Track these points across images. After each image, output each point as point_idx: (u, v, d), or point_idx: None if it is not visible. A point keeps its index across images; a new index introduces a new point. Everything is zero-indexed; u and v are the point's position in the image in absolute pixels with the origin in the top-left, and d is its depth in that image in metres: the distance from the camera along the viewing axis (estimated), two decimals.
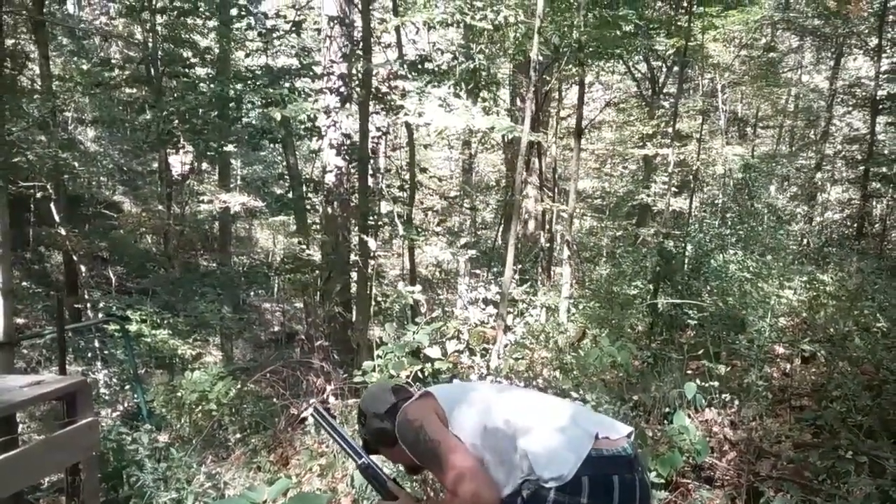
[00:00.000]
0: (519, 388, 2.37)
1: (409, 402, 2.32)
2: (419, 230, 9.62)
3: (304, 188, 10.23)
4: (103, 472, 3.92)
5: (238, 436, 5.54)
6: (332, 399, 6.42)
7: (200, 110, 8.92)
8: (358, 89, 8.11)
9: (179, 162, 13.21)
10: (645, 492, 2.04)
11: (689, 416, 4.34)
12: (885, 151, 16.10)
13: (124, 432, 4.58)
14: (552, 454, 1.98)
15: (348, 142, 8.56)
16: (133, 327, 8.64)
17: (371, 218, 8.93)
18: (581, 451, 1.99)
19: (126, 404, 8.40)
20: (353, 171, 8.89)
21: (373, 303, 8.66)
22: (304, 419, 5.92)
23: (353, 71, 8.18)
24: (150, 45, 11.28)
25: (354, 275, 9.05)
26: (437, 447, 2.16)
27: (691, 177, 14.08)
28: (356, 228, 8.62)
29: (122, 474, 4.02)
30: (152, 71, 10.69)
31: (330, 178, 9.09)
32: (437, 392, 2.34)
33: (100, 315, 11.01)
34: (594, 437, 2.03)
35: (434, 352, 5.07)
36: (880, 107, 14.38)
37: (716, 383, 4.56)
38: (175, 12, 9.48)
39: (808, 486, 3.67)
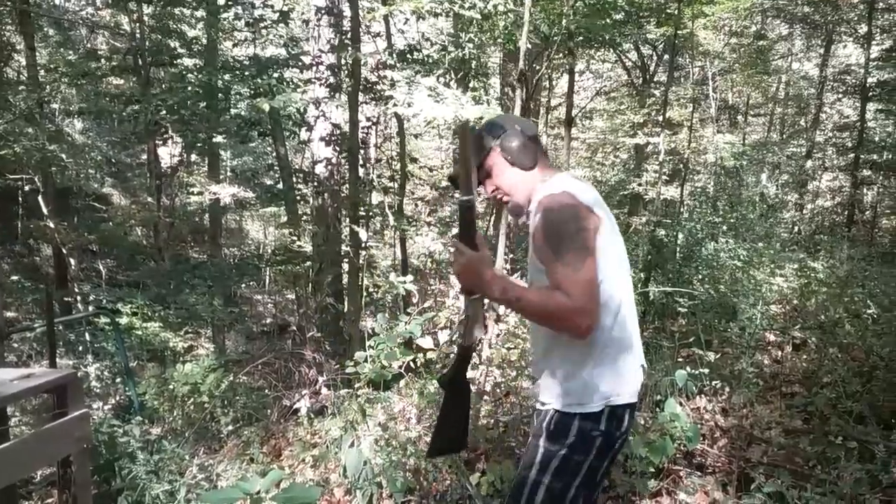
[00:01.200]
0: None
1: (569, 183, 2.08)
2: (410, 220, 9.60)
3: (295, 179, 10.19)
4: (95, 464, 3.90)
5: (230, 427, 5.54)
6: (324, 390, 6.41)
7: (188, 101, 8.86)
8: (347, 79, 8.07)
9: (168, 154, 13.15)
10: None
11: (681, 403, 4.36)
12: (876, 139, 16.16)
13: (116, 425, 4.55)
14: (615, 382, 2.08)
15: (338, 132, 8.52)
16: (124, 320, 8.61)
17: (362, 208, 8.90)
18: (632, 391, 2.12)
19: (118, 397, 8.37)
20: (343, 161, 8.85)
21: (364, 293, 8.63)
22: (297, 410, 5.92)
23: (342, 61, 8.13)
24: (138, 35, 11.20)
25: (346, 266, 9.03)
26: (579, 244, 1.95)
27: (682, 165, 14.11)
28: (347, 219, 8.60)
29: (114, 467, 4.00)
30: (139, 61, 10.61)
31: (320, 169, 9.06)
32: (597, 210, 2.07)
33: (90, 308, 10.97)
34: (641, 376, 2.18)
35: (426, 342, 5.06)
36: (870, 94, 14.42)
37: (706, 370, 4.58)
38: (162, 2, 9.39)
39: (798, 472, 3.69)
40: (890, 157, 15.30)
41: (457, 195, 2.08)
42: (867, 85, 14.34)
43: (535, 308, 1.98)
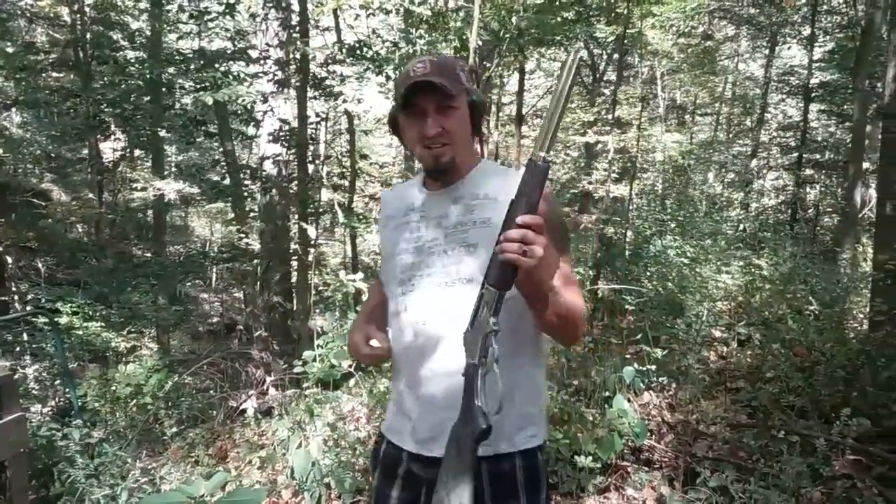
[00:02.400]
0: None
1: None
2: (361, 218, 9.51)
3: (242, 175, 10.02)
4: (33, 469, 3.79)
5: (175, 429, 5.43)
6: (272, 390, 6.32)
7: (131, 95, 8.63)
8: (295, 74, 7.95)
9: (111, 148, 12.80)
10: None
11: (629, 399, 4.38)
12: (819, 139, 16.57)
13: (54, 428, 4.44)
14: None
15: (286, 128, 8.40)
16: (64, 320, 8.38)
17: (311, 206, 8.80)
18: None
19: (57, 400, 8.15)
20: (291, 157, 8.73)
21: (314, 292, 8.54)
22: (244, 411, 5.82)
23: (290, 56, 8.01)
24: (79, 26, 10.86)
25: (295, 263, 8.92)
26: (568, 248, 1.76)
27: (631, 163, 14.28)
28: (296, 216, 8.49)
29: (53, 471, 3.90)
30: (80, 54, 10.30)
31: (268, 165, 8.91)
32: None
33: (28, 307, 10.64)
34: None
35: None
36: (813, 95, 14.76)
37: (654, 367, 4.61)
38: None
39: (742, 466, 3.75)
40: (831, 156, 15.72)
41: (534, 153, 1.44)
42: (810, 86, 14.68)
43: (566, 305, 1.61)
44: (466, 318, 1.51)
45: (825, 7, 15.11)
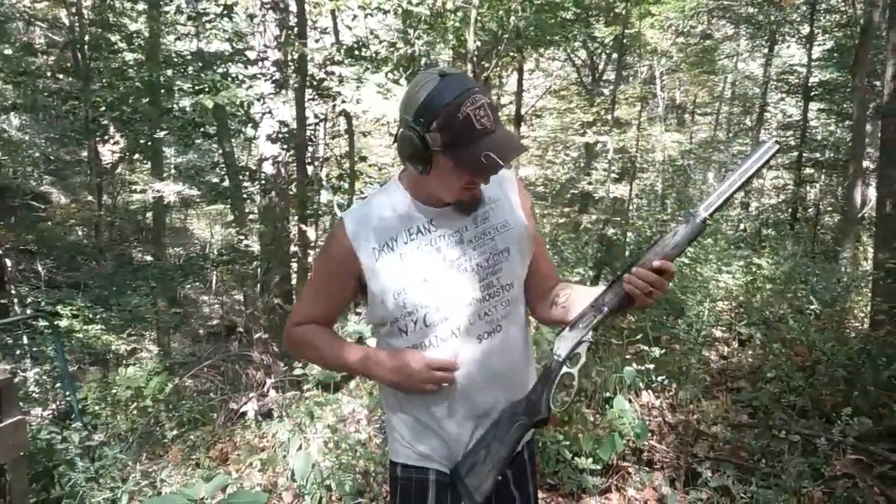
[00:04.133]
0: None
1: None
2: None
3: (241, 177, 10.01)
4: (33, 472, 3.79)
5: (175, 432, 5.40)
6: (272, 392, 6.30)
7: (130, 97, 8.62)
8: (293, 75, 7.94)
9: (110, 151, 12.80)
10: None
11: (629, 400, 4.37)
12: (818, 137, 16.58)
13: (54, 431, 4.44)
14: None
15: (285, 129, 8.38)
16: (64, 323, 8.37)
17: (310, 207, 8.78)
18: None
19: (58, 403, 8.15)
20: (290, 159, 8.71)
21: None
22: (245, 413, 5.81)
23: (288, 57, 8.00)
24: (77, 28, 10.86)
25: (295, 265, 8.90)
26: None
27: (630, 163, 14.27)
28: (295, 218, 8.47)
29: (53, 474, 3.89)
30: (79, 56, 10.30)
31: (267, 167, 8.90)
32: None
33: (28, 310, 10.64)
34: None
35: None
36: (812, 93, 14.76)
37: (653, 367, 4.60)
38: None
39: (743, 466, 3.75)
40: (831, 155, 15.72)
41: (698, 210, 1.54)
42: (809, 85, 14.68)
43: None
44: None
45: (824, 6, 15.12)
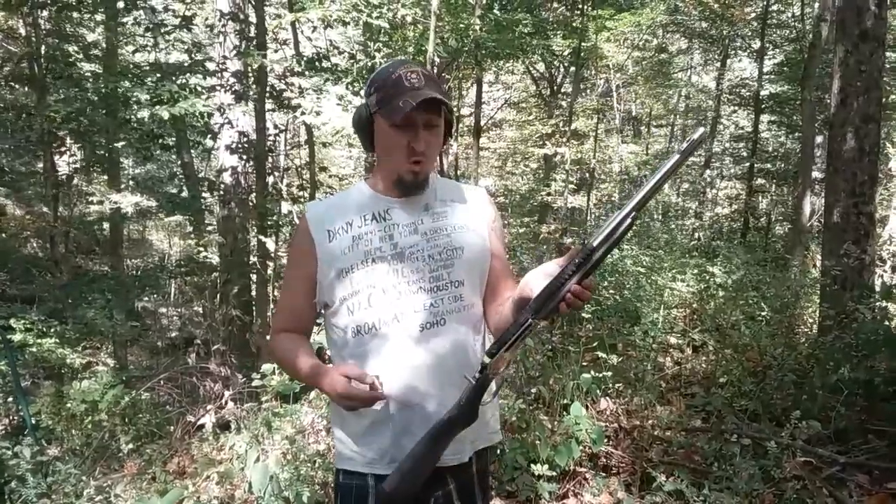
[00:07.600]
0: None
1: None
2: None
3: (200, 188, 9.92)
4: None
5: (131, 446, 5.33)
6: (230, 404, 6.26)
7: (87, 109, 8.50)
8: (253, 86, 7.92)
9: (66, 162, 12.58)
10: None
11: (586, 406, 4.44)
12: (769, 148, 16.98)
13: (4, 447, 4.35)
14: None
15: (245, 140, 8.35)
16: (17, 337, 8.19)
17: (270, 218, 8.75)
18: None
19: (10, 418, 7.98)
20: (250, 170, 8.67)
21: (273, 305, 8.48)
22: (202, 426, 5.76)
23: (248, 67, 7.98)
24: (34, 40, 10.67)
25: (254, 276, 8.85)
26: None
27: (588, 174, 14.46)
28: (255, 229, 8.43)
29: (3, 490, 3.82)
30: (35, 67, 10.12)
31: (226, 178, 8.85)
32: None
33: None
34: None
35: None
36: (763, 106, 15.15)
37: (610, 373, 4.68)
38: (57, 6, 8.97)
39: (697, 470, 3.84)
40: (782, 165, 16.12)
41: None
42: (760, 97, 15.05)
43: None
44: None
45: (775, 21, 15.52)
